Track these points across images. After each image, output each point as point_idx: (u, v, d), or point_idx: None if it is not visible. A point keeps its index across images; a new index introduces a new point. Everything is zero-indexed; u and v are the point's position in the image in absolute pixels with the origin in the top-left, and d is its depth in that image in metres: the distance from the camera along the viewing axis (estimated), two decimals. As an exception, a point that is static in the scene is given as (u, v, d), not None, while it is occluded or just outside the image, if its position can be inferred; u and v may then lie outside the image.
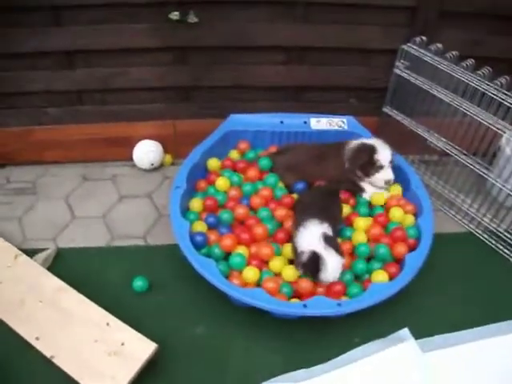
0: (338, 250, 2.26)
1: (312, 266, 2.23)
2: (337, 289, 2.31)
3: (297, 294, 2.34)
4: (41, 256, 2.51)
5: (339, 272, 2.26)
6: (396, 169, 2.86)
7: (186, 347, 2.25)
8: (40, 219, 2.82)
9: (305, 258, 2.24)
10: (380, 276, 2.37)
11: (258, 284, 2.33)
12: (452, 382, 2.18)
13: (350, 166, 2.75)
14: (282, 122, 3.09)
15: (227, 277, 2.32)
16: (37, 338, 2.11)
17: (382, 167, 2.72)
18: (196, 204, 2.65)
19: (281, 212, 2.63)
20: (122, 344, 2.06)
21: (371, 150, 2.71)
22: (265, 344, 2.30)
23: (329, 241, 2.26)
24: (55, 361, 2.02)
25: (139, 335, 2.10)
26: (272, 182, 2.81)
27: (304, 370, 2.17)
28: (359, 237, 2.55)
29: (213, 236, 2.48)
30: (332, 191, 2.72)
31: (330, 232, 2.34)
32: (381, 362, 2.20)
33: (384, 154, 2.71)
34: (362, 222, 2.62)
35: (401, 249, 2.47)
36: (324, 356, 2.22)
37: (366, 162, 2.72)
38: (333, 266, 2.22)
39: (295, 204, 2.68)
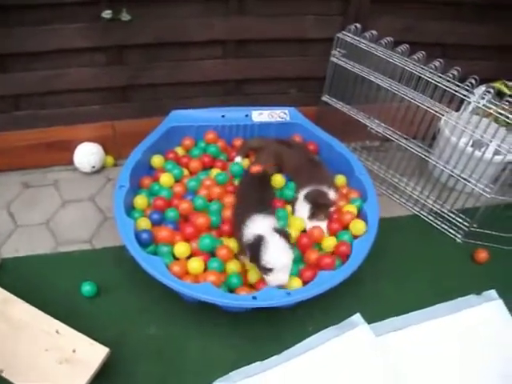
0: (287, 239, 2.23)
1: (255, 248, 2.19)
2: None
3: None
4: (-16, 268, 2.45)
5: (286, 262, 2.18)
6: (339, 156, 2.90)
7: (140, 349, 2.22)
8: (-19, 231, 2.75)
9: (250, 240, 2.23)
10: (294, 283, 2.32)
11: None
12: (407, 363, 2.20)
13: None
14: (223, 116, 3.10)
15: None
16: (-17, 354, 2.05)
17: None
18: (140, 201, 2.62)
19: (229, 199, 2.65)
20: (74, 351, 2.02)
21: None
22: (219, 340, 2.29)
23: (278, 231, 2.24)
24: (4, 375, 1.96)
25: (91, 341, 2.05)
26: (222, 179, 2.78)
27: (259, 362, 2.17)
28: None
29: (158, 233, 2.44)
30: (265, 177, 2.73)
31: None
32: (335, 348, 2.20)
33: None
34: (298, 222, 2.61)
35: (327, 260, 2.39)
36: (279, 347, 2.22)
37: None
38: (276, 250, 2.16)
39: (237, 194, 2.68)
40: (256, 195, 2.53)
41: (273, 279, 2.17)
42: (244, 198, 2.56)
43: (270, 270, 2.16)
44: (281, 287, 2.20)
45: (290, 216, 2.65)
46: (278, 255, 2.16)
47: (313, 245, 2.51)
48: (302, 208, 2.62)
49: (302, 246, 2.48)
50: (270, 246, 2.16)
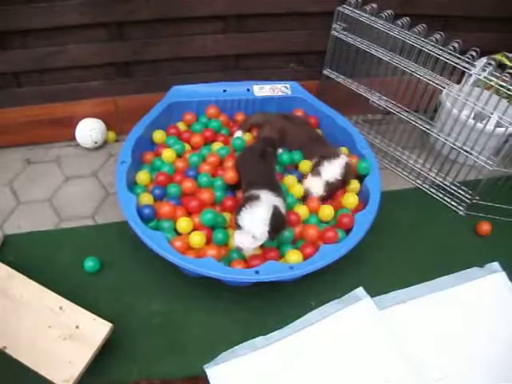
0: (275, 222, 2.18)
1: (244, 201, 2.22)
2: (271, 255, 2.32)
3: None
4: (-13, 244, 2.46)
5: (256, 231, 2.15)
6: (341, 130, 2.90)
7: (143, 324, 2.24)
8: (-16, 207, 2.75)
9: (248, 194, 2.26)
10: (295, 256, 2.29)
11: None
12: (410, 336, 2.21)
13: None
14: (225, 91, 3.08)
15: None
16: (-14, 330, 2.06)
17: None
18: (143, 176, 2.62)
19: (230, 175, 2.60)
20: (77, 327, 2.03)
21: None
22: (222, 315, 2.30)
23: (276, 209, 2.20)
24: (8, 351, 1.97)
25: (94, 316, 2.06)
26: (224, 153, 2.78)
27: (262, 336, 2.18)
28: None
29: (161, 208, 2.44)
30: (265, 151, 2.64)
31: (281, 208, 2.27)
32: (338, 322, 2.22)
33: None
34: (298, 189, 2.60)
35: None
36: (282, 322, 2.24)
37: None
38: (257, 215, 2.14)
39: (240, 166, 2.61)
40: (263, 171, 2.50)
41: (237, 237, 2.18)
42: (251, 176, 2.48)
43: (238, 226, 2.17)
44: (240, 251, 2.28)
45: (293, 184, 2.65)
46: (254, 219, 2.15)
47: (305, 220, 2.51)
48: (315, 183, 2.61)
49: (292, 223, 2.45)
50: (257, 208, 2.15)
